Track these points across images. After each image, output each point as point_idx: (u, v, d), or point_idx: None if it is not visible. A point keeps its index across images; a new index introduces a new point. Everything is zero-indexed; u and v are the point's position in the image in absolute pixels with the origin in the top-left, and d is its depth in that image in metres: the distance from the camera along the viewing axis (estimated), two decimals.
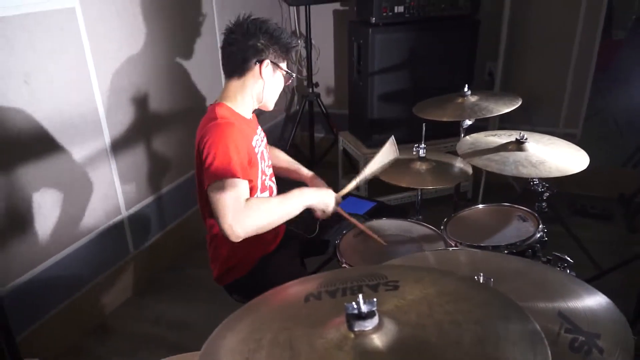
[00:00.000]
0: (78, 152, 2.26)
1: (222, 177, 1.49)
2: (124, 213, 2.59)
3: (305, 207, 1.65)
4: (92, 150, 2.34)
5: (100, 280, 2.46)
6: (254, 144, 1.72)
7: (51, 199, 2.16)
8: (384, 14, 2.95)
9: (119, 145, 2.47)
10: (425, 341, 0.68)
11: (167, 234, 2.89)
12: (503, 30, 3.28)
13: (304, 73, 3.75)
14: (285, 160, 2.05)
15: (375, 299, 0.70)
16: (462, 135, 2.03)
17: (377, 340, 0.68)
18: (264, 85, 1.68)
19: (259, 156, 1.74)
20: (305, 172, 2.01)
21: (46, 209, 2.14)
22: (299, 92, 3.93)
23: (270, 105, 1.79)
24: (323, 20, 3.81)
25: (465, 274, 0.99)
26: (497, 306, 0.75)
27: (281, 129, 4.07)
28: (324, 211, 1.72)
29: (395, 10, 2.97)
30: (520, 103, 2.08)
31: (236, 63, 1.66)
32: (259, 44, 1.63)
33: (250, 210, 1.50)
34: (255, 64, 1.64)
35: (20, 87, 1.96)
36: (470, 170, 1.84)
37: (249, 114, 1.76)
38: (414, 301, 0.78)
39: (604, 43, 3.15)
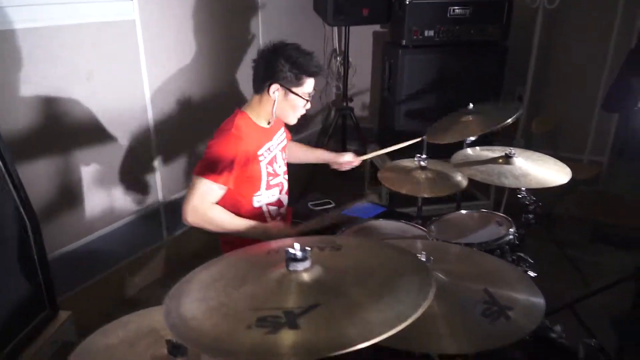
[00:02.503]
0: (126, 143, 2.58)
1: (207, 177, 1.77)
2: (161, 201, 2.90)
3: (252, 235, 1.86)
4: (138, 143, 2.66)
5: (133, 259, 2.76)
6: (260, 152, 1.95)
7: (99, 181, 2.48)
8: (415, 37, 3.16)
9: (162, 141, 2.79)
10: (341, 279, 0.88)
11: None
12: (532, 56, 3.40)
13: (340, 88, 3.99)
14: (301, 150, 2.37)
15: (308, 248, 0.91)
16: (465, 148, 2.18)
17: (306, 277, 0.89)
18: (275, 105, 1.89)
19: (265, 162, 1.97)
20: (326, 156, 2.36)
21: (93, 189, 2.46)
22: (334, 106, 4.18)
23: (289, 121, 2.01)
24: (363, 40, 4.06)
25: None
26: (408, 263, 0.94)
27: (316, 138, 4.31)
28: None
29: (426, 34, 3.17)
30: (520, 111, 2.20)
31: (256, 81, 1.91)
32: (273, 67, 1.83)
33: (208, 211, 1.79)
34: (269, 85, 1.85)
35: (82, 83, 2.31)
36: (465, 182, 1.99)
37: (265, 124, 2.00)
38: (347, 257, 0.98)
39: None
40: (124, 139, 2.57)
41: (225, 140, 1.83)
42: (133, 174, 2.68)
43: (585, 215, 3.45)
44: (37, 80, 2.11)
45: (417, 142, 2.18)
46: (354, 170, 2.49)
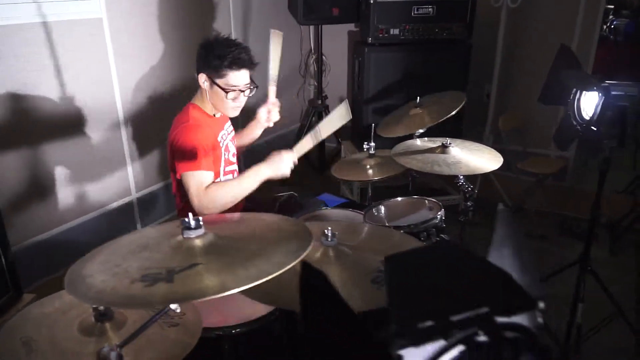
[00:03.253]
0: (96, 138, 2.70)
1: (189, 169, 1.87)
2: (134, 194, 3.01)
3: (262, 182, 1.97)
4: (109, 138, 2.77)
5: None
6: (219, 138, 2.06)
7: (69, 174, 2.60)
8: (380, 35, 3.26)
9: (133, 136, 2.90)
10: (227, 244, 0.99)
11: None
12: (497, 54, 3.49)
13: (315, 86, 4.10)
14: (241, 134, 2.36)
15: (200, 218, 1.02)
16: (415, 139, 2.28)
17: (197, 242, 1.00)
18: (207, 95, 1.99)
19: (223, 149, 2.08)
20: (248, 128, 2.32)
21: (64, 182, 2.58)
22: (310, 104, 4.28)
23: (226, 113, 2.07)
24: (338, 39, 4.16)
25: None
26: (295, 233, 1.05)
27: (295, 136, 4.41)
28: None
29: (391, 32, 3.27)
30: (463, 101, 2.30)
31: (196, 73, 2.01)
32: (201, 59, 1.94)
33: (210, 194, 1.88)
34: (198, 75, 1.96)
35: (51, 79, 2.42)
36: (406, 165, 2.07)
37: (214, 114, 2.09)
38: (245, 228, 1.09)
39: None
40: (94, 134, 2.68)
41: (187, 132, 1.93)
42: (104, 168, 2.79)
43: (552, 209, 3.54)
44: (2, 77, 2.22)
45: (340, 108, 2.16)
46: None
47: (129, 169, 2.94)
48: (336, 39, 4.16)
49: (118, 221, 2.93)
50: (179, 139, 1.92)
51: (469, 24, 3.30)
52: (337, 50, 4.21)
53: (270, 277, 0.85)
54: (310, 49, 4.28)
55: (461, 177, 1.98)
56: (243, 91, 1.99)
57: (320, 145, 4.20)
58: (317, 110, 4.04)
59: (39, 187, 2.48)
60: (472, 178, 2.10)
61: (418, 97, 2.35)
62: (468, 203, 2.01)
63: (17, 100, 2.31)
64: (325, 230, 1.26)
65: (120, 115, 2.81)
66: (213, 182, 1.95)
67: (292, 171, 2.01)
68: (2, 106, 2.25)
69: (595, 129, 1.87)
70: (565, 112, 1.98)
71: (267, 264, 0.90)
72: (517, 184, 3.64)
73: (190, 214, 1.02)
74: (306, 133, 3.96)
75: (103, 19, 2.60)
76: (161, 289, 0.84)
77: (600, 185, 2.04)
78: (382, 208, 1.91)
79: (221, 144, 2.07)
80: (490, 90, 3.68)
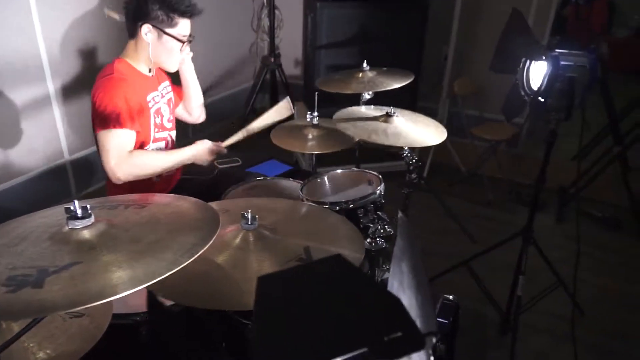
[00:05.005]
0: (19, 95, 2.46)
1: (110, 127, 1.69)
2: (67, 157, 2.81)
3: (183, 164, 1.90)
4: (35, 95, 2.54)
5: None
6: (148, 99, 1.89)
7: None
8: None
9: (64, 93, 2.67)
10: (118, 237, 0.87)
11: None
12: (455, 16, 3.36)
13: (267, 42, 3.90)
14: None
15: (88, 205, 0.89)
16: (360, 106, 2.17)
17: (85, 234, 0.87)
18: (150, 49, 1.81)
19: (152, 110, 1.91)
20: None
21: None
22: (262, 62, 4.08)
23: (168, 67, 1.92)
24: None
25: (239, 210, 1.17)
26: (199, 222, 0.93)
27: (247, 95, 4.23)
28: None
29: None
30: (412, 79, 2.21)
31: (128, 24, 1.82)
32: (143, 8, 1.75)
33: (132, 159, 1.75)
34: (140, 26, 1.77)
35: None
36: (356, 139, 1.97)
37: (147, 71, 1.92)
38: (143, 215, 0.96)
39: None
40: (15, 92, 2.44)
41: (110, 86, 1.75)
42: (30, 129, 2.57)
43: (505, 176, 3.54)
44: None
45: (281, 105, 2.05)
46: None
47: (60, 129, 2.72)
48: None
49: (49, 187, 2.74)
50: (99, 94, 1.74)
51: None
52: (292, 4, 3.98)
53: (155, 280, 0.74)
54: (263, 2, 4.04)
55: (406, 148, 1.89)
56: (190, 41, 1.89)
57: (270, 104, 4.04)
58: (270, 69, 3.85)
59: None
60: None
61: (365, 61, 2.22)
62: (412, 175, 1.94)
63: None
64: (245, 213, 1.15)
65: (47, 69, 2.57)
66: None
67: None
68: None
69: (542, 100, 1.80)
70: (514, 81, 1.90)
71: (158, 262, 0.79)
72: (472, 149, 3.61)
73: (75, 201, 0.89)
74: (258, 93, 3.86)
75: None
76: (25, 296, 0.72)
77: (547, 157, 2.00)
78: (321, 180, 1.81)
79: (150, 105, 1.90)
80: (447, 53, 3.57)
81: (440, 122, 3.50)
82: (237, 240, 1.15)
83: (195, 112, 2.20)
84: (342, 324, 0.46)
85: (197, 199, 1.07)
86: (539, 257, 2.24)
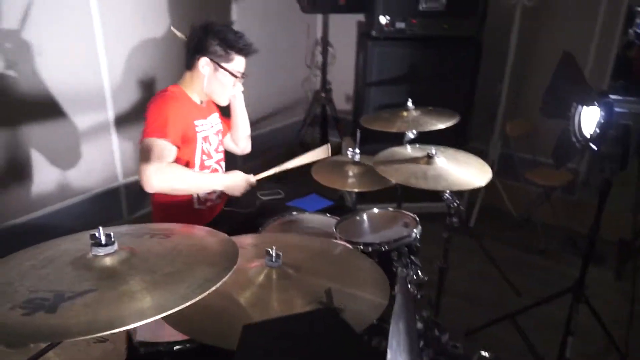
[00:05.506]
0: (80, 120, 2.62)
1: (154, 135, 1.76)
2: (121, 181, 2.93)
3: (214, 189, 1.96)
4: (95, 121, 2.69)
5: None
6: (196, 123, 1.95)
7: (50, 157, 2.53)
8: (385, 29, 3.10)
9: (122, 120, 2.81)
10: (138, 267, 0.88)
11: None
12: (509, 55, 3.29)
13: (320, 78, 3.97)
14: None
15: (112, 233, 0.91)
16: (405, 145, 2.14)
17: (107, 261, 0.89)
18: (205, 81, 1.90)
19: (200, 136, 1.96)
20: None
21: (44, 165, 2.51)
22: (314, 96, 4.14)
23: (219, 100, 2.00)
24: (347, 29, 4.01)
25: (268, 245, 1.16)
26: (217, 256, 0.93)
27: (297, 128, 4.29)
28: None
29: (396, 26, 3.10)
30: (457, 120, 2.16)
31: (187, 56, 1.92)
32: (203, 42, 1.86)
33: (168, 170, 1.76)
34: (198, 59, 1.87)
35: (33, 57, 2.34)
36: (393, 180, 1.94)
37: (198, 101, 2.00)
38: (166, 246, 0.98)
39: None
40: (77, 116, 2.60)
41: (162, 100, 1.84)
42: (89, 152, 2.71)
43: (559, 224, 3.37)
44: None
45: (320, 150, 2.08)
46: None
47: (116, 154, 2.86)
48: (345, 29, 4.00)
49: (103, 208, 2.86)
50: (151, 106, 1.83)
51: (480, 21, 3.11)
52: (345, 41, 4.05)
53: (161, 315, 0.74)
54: (316, 39, 4.13)
55: (447, 191, 1.84)
56: (243, 78, 1.98)
57: (321, 138, 4.08)
58: (321, 103, 3.90)
59: (18, 171, 2.42)
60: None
61: (410, 100, 2.21)
62: (454, 219, 1.87)
63: None
64: (270, 250, 1.15)
65: (108, 98, 2.72)
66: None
67: None
68: None
69: (595, 148, 1.71)
70: (565, 126, 1.82)
71: (169, 296, 0.79)
72: (524, 193, 3.47)
73: (100, 228, 0.91)
74: (308, 127, 3.91)
75: None
76: (38, 321, 0.74)
77: (600, 207, 1.89)
78: (356, 219, 1.79)
79: (197, 129, 1.96)
80: (500, 90, 3.49)
81: (492, 163, 3.46)
82: (260, 277, 1.14)
83: (241, 143, 2.26)
84: None
85: (223, 234, 1.07)
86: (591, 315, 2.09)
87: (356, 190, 2.00)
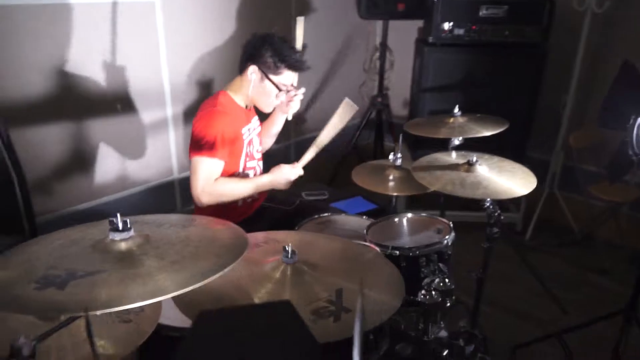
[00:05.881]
0: (141, 118, 2.77)
1: (204, 154, 1.85)
2: (176, 175, 3.07)
3: (261, 190, 2.00)
4: (154, 119, 2.84)
5: None
6: (243, 131, 2.02)
7: (112, 149, 2.70)
8: (443, 35, 3.04)
9: (179, 119, 2.95)
10: (152, 252, 0.93)
11: None
12: (576, 64, 3.11)
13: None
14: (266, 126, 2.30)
15: (128, 220, 0.96)
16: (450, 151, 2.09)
17: (122, 245, 0.95)
18: (250, 87, 1.97)
19: (246, 142, 2.04)
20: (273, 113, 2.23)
21: (106, 156, 2.68)
22: (370, 101, 4.13)
23: (262, 107, 2.06)
24: (407, 35, 3.96)
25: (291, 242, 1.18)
26: (228, 249, 0.96)
27: (354, 131, 4.30)
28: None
29: (455, 32, 3.03)
30: (505, 127, 2.09)
31: (241, 61, 2.00)
32: (256, 51, 1.92)
33: (216, 187, 1.90)
34: (248, 66, 1.94)
35: (98, 59, 2.51)
36: (420, 181, 1.88)
37: (243, 105, 2.06)
38: (183, 233, 1.02)
39: None
40: (139, 114, 2.75)
41: (212, 118, 1.92)
42: (147, 147, 2.87)
43: (625, 243, 3.14)
44: (52, 53, 2.33)
45: (342, 108, 2.05)
46: None
47: (172, 150, 3.00)
48: (406, 35, 3.96)
49: (158, 200, 3.01)
50: (201, 123, 1.91)
51: (545, 28, 2.97)
52: (405, 47, 4.00)
53: (158, 299, 0.78)
54: (376, 45, 4.12)
55: (488, 199, 1.77)
56: (289, 91, 2.01)
57: (374, 142, 4.06)
58: (376, 108, 3.89)
59: (81, 161, 2.60)
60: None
61: (457, 107, 2.15)
62: (494, 229, 1.80)
63: (66, 78, 2.41)
64: (286, 246, 1.16)
65: (167, 96, 2.86)
66: (225, 175, 1.94)
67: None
68: (51, 81, 2.37)
69: None
70: (623, 138, 1.70)
71: (167, 283, 0.83)
72: (588, 208, 3.27)
73: (118, 214, 0.97)
74: (363, 131, 3.91)
75: (156, 2, 2.64)
76: (46, 296, 0.79)
77: None
78: (389, 222, 1.77)
79: (244, 137, 2.03)
80: (566, 102, 3.31)
81: (553, 175, 3.29)
82: (275, 272, 1.16)
83: (267, 143, 2.32)
84: None
85: (238, 227, 1.10)
86: None
87: (395, 194, 1.97)
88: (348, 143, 4.02)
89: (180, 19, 2.78)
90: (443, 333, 1.47)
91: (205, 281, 0.83)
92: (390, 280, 1.18)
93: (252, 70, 1.94)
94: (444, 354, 1.40)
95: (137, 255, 0.92)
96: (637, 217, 3.26)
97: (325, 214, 2.05)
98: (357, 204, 2.58)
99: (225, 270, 0.87)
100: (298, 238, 1.34)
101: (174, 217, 1.15)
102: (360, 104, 4.25)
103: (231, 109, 1.98)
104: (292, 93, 2.03)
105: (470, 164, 1.74)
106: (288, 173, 1.98)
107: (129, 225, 0.96)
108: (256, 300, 1.07)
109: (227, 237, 1.04)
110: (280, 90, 1.97)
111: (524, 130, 3.20)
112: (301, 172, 2.02)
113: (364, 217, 2.01)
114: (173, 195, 3.10)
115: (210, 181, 1.87)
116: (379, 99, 3.86)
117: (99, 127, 2.60)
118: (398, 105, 4.13)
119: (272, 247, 1.29)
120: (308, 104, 3.75)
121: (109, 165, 2.71)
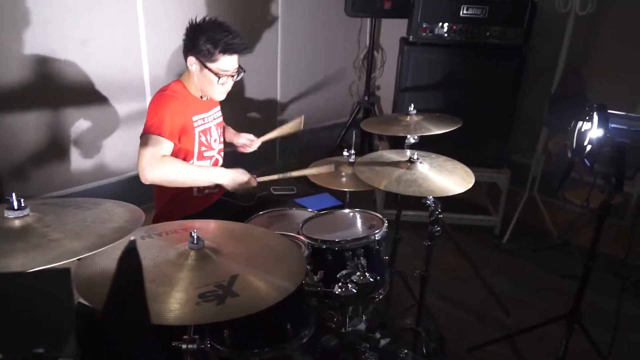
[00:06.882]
0: (120, 108, 2.84)
1: (151, 133, 1.89)
2: None
3: (214, 183, 2.00)
4: (133, 110, 2.91)
5: None
6: (195, 118, 2.05)
7: (89, 139, 2.77)
8: (423, 34, 3.04)
9: None
10: (40, 230, 0.97)
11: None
12: (558, 66, 3.08)
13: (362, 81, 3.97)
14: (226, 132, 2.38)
15: (22, 200, 1.01)
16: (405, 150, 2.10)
17: (17, 223, 1.00)
18: (195, 78, 1.99)
19: (198, 130, 2.07)
20: (232, 131, 2.38)
21: (82, 146, 2.76)
22: (359, 99, 4.15)
23: (212, 97, 2.08)
24: (398, 34, 3.96)
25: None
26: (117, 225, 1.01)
27: (341, 129, 4.32)
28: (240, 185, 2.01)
29: (436, 32, 3.03)
30: (458, 126, 2.10)
31: (183, 54, 2.02)
32: (192, 41, 1.93)
33: (162, 163, 1.88)
34: (187, 58, 1.96)
35: (77, 48, 2.59)
36: (359, 176, 1.89)
37: (199, 96, 2.09)
38: (80, 215, 1.07)
39: None
40: (117, 105, 2.82)
41: (161, 99, 1.96)
42: (126, 139, 2.94)
43: (603, 250, 3.10)
44: (30, 41, 2.41)
45: (293, 123, 2.28)
46: None
47: None
48: (398, 34, 3.96)
49: (135, 190, 3.05)
50: (151, 105, 1.95)
51: (526, 30, 2.95)
52: (396, 46, 4.01)
53: (33, 269, 0.83)
54: (366, 44, 4.13)
55: (430, 197, 1.79)
56: (233, 76, 2.00)
57: (361, 141, 4.07)
58: (363, 107, 3.91)
59: (58, 148, 2.68)
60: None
61: (412, 105, 2.17)
62: (435, 227, 1.81)
63: (43, 64, 2.49)
64: (192, 232, 1.20)
65: (147, 89, 2.93)
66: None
67: None
68: (27, 68, 2.45)
69: (589, 165, 1.58)
70: (565, 141, 1.70)
71: (43, 257, 0.88)
72: (567, 212, 3.24)
73: (13, 194, 1.02)
74: (349, 129, 3.93)
75: None
76: None
77: (597, 231, 1.76)
78: (326, 218, 1.80)
79: (196, 125, 2.06)
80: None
81: (533, 179, 3.26)
82: (179, 257, 1.19)
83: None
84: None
85: (136, 207, 1.15)
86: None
87: (346, 190, 1.99)
88: (334, 141, 4.06)
89: (160, 8, 2.83)
90: (362, 326, 1.49)
91: (109, 245, 0.88)
92: (294, 268, 1.21)
93: (191, 62, 1.95)
94: (362, 346, 1.42)
95: (28, 232, 0.97)
96: (617, 223, 3.22)
97: (279, 209, 2.07)
98: (322, 200, 2.60)
99: (108, 246, 0.92)
100: (217, 227, 1.38)
101: (90, 201, 1.20)
102: (350, 102, 4.31)
103: (182, 95, 2.01)
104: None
105: (411, 162, 1.76)
106: (244, 178, 1.99)
107: (22, 205, 1.01)
108: (152, 280, 1.10)
109: (122, 216, 1.09)
110: (219, 77, 1.95)
111: (504, 133, 3.18)
112: (254, 185, 2.03)
113: (315, 212, 2.03)
114: (150, 186, 3.16)
115: (157, 156, 1.86)
116: (366, 98, 3.88)
117: (76, 116, 2.68)
118: (389, 104, 4.14)
119: (187, 235, 1.33)
120: (302, 96, 3.78)
121: (85, 154, 2.79)
